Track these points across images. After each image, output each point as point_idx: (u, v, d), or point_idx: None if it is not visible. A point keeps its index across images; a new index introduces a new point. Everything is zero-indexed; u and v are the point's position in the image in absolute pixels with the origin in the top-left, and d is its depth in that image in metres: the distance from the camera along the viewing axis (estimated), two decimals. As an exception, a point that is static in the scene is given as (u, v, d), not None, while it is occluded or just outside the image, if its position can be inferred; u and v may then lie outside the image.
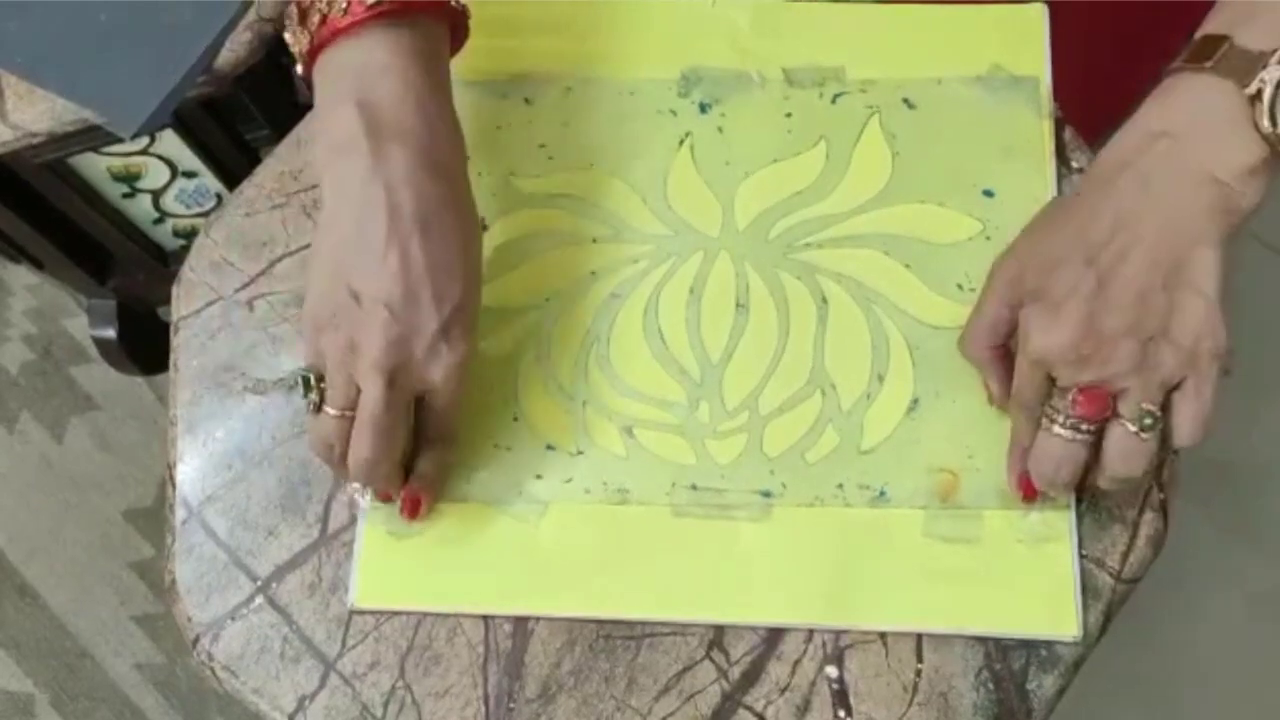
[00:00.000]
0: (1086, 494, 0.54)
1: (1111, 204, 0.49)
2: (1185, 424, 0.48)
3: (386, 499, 0.55)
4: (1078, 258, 0.49)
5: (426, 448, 0.54)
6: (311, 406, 0.51)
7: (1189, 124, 0.49)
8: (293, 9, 0.51)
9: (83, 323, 1.24)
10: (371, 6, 0.48)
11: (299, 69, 0.52)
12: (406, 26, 0.50)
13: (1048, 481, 0.51)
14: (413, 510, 0.55)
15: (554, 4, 0.64)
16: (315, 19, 0.49)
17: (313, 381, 0.50)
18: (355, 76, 0.49)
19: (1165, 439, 0.49)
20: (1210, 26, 0.50)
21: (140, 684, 1.19)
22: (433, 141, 0.50)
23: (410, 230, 0.48)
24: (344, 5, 0.49)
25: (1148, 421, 0.48)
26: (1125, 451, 0.49)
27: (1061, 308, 0.48)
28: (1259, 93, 0.47)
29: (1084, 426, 0.49)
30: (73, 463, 1.26)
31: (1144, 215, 0.48)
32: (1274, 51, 0.47)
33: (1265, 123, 0.47)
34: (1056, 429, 0.50)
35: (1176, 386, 0.48)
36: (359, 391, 0.50)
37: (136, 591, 1.21)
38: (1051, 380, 0.50)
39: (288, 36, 0.52)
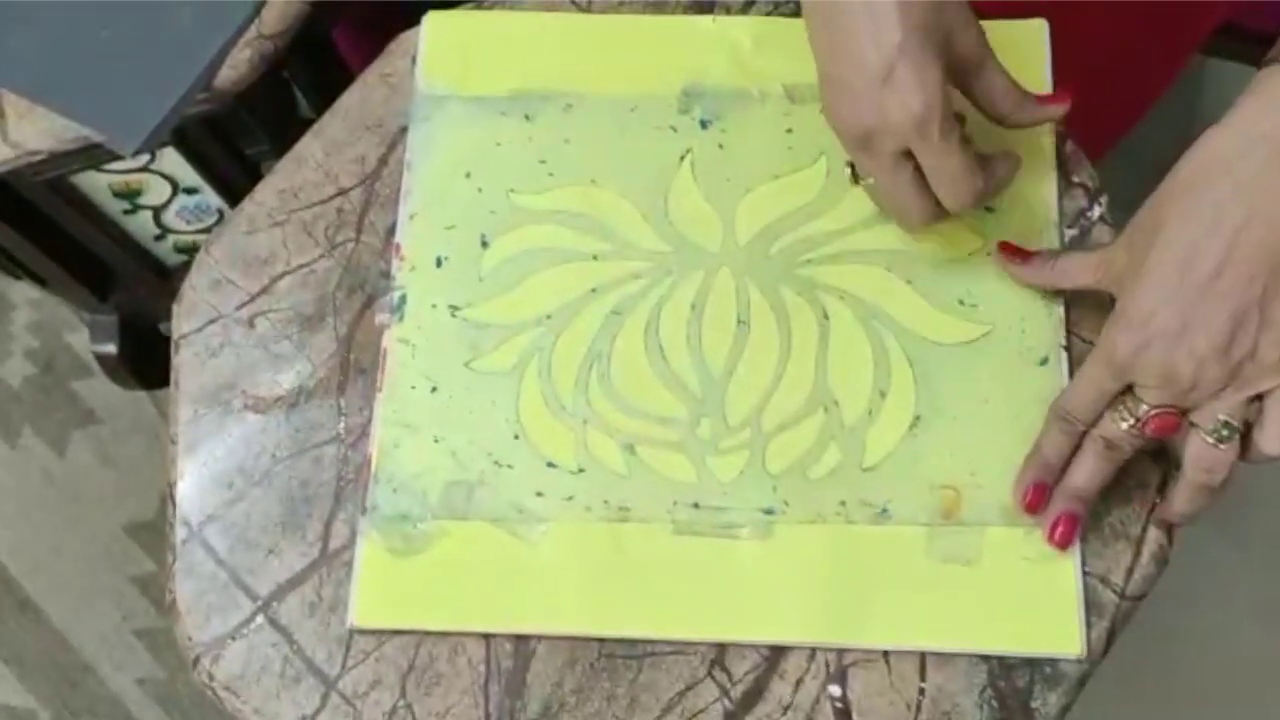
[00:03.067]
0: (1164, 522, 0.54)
1: (1206, 211, 0.47)
2: (1273, 436, 0.48)
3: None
4: (1170, 272, 0.48)
5: None
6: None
7: None
8: None
9: (85, 336, 1.24)
10: None
11: None
12: None
13: (1108, 445, 0.51)
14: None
15: (554, 20, 0.64)
16: None
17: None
18: None
19: (1248, 448, 0.49)
20: None
21: (142, 699, 1.19)
22: None
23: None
24: None
25: (1225, 433, 0.48)
26: (1201, 461, 0.49)
27: (1154, 319, 0.48)
28: None
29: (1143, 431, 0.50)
30: (74, 477, 1.26)
31: (1241, 226, 0.47)
32: None
33: None
34: (1123, 427, 0.50)
35: (1264, 395, 0.48)
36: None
37: (138, 606, 1.21)
38: (1119, 390, 0.50)
39: None
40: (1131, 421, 0.50)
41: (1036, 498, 0.53)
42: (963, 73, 0.52)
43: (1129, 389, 0.50)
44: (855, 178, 0.56)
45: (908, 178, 0.51)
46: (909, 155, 0.51)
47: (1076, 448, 0.53)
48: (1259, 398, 0.48)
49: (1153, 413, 0.49)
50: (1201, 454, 0.49)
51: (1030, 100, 0.54)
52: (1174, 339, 0.47)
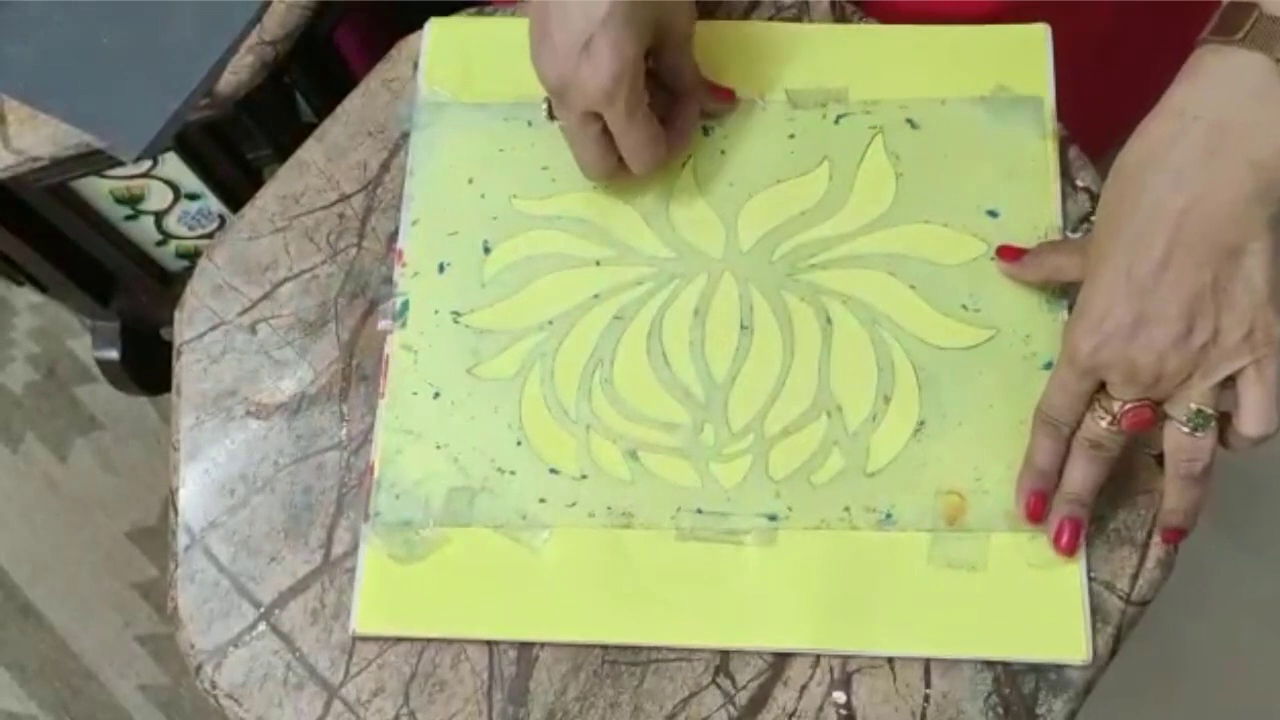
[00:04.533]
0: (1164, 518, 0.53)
1: (1146, 202, 0.47)
2: (1249, 416, 0.48)
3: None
4: (1119, 268, 0.48)
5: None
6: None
7: (1221, 105, 0.47)
8: None
9: (87, 342, 1.24)
10: None
11: None
12: None
13: (1093, 445, 0.51)
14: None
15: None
16: None
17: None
18: None
19: (1224, 435, 0.50)
20: None
21: (144, 705, 1.19)
22: None
23: None
24: None
25: (1199, 421, 0.48)
26: (1180, 451, 0.49)
27: (1108, 318, 0.48)
28: None
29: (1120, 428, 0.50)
30: (77, 483, 1.26)
31: (1181, 215, 0.46)
32: None
33: None
34: (1103, 425, 0.50)
35: (1235, 376, 0.48)
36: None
37: (140, 612, 1.21)
38: (1093, 390, 0.51)
39: None
40: (1109, 419, 0.50)
41: (1037, 506, 0.53)
42: (661, 46, 0.56)
43: (1103, 386, 0.50)
44: (551, 115, 0.57)
45: (593, 134, 0.55)
46: (599, 116, 0.54)
47: (1068, 451, 0.53)
48: (1230, 380, 0.48)
49: (1126, 408, 0.49)
50: (1179, 444, 0.49)
51: (704, 88, 0.59)
52: (1129, 335, 0.48)
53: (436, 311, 0.59)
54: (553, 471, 0.56)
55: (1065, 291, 0.57)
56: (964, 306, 0.57)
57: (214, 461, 0.58)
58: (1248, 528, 1.17)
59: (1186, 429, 0.49)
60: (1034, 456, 0.53)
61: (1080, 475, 0.52)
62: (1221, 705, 1.13)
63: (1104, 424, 0.50)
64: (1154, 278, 0.47)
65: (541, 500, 0.55)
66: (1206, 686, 1.14)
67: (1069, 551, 0.53)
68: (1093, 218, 0.59)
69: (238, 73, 0.69)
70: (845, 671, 0.53)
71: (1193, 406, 0.48)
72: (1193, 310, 0.47)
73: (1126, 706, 1.11)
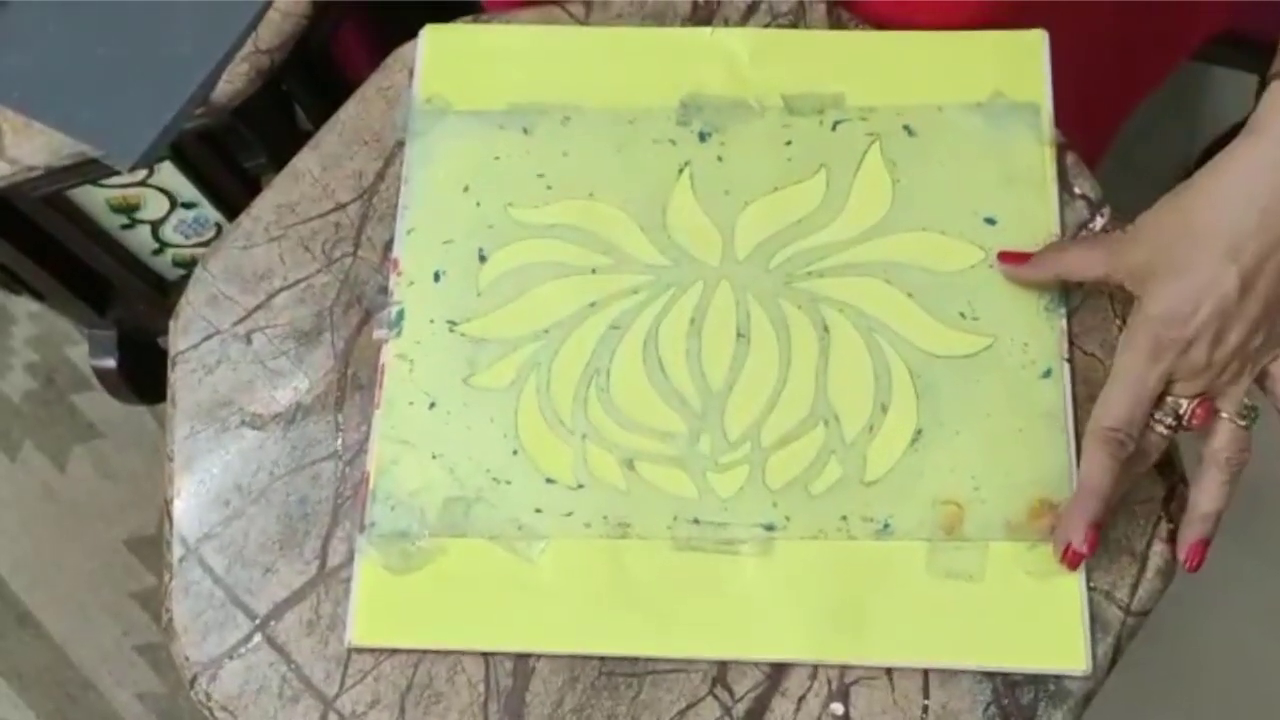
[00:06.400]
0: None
1: (1253, 211, 0.49)
2: None
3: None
4: (1218, 269, 0.50)
5: None
6: None
7: None
8: None
9: (85, 351, 1.24)
10: None
11: None
12: None
13: (1139, 450, 0.52)
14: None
15: (552, 33, 0.63)
16: None
17: None
18: None
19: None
20: None
21: (143, 715, 1.18)
22: None
23: None
24: None
25: (1252, 415, 0.52)
26: (1235, 443, 0.52)
27: (1198, 314, 0.50)
28: None
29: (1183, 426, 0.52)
30: (75, 491, 1.25)
31: None
32: None
33: None
34: (1161, 429, 0.52)
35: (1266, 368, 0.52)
36: None
37: (139, 621, 1.21)
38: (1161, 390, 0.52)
39: None
40: (1170, 419, 0.52)
41: (1095, 541, 0.51)
42: None
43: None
44: None
45: None
46: None
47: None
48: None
49: (1193, 406, 0.51)
50: (1234, 437, 0.52)
51: None
52: (1217, 332, 0.50)
53: (432, 320, 0.58)
54: (549, 481, 0.55)
55: (1064, 299, 0.57)
56: (962, 314, 0.57)
57: (209, 472, 0.57)
58: (1254, 533, 1.17)
59: (1243, 422, 0.51)
60: (1094, 480, 0.51)
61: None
62: (1228, 713, 1.13)
63: (1160, 427, 0.52)
64: (1249, 281, 0.49)
65: (538, 510, 0.55)
66: (1213, 694, 1.13)
67: (1073, 566, 0.52)
68: (1091, 224, 0.59)
69: (233, 81, 0.68)
70: (843, 682, 0.52)
71: (1246, 401, 0.51)
72: (1266, 315, 0.50)
73: (1132, 715, 1.10)
